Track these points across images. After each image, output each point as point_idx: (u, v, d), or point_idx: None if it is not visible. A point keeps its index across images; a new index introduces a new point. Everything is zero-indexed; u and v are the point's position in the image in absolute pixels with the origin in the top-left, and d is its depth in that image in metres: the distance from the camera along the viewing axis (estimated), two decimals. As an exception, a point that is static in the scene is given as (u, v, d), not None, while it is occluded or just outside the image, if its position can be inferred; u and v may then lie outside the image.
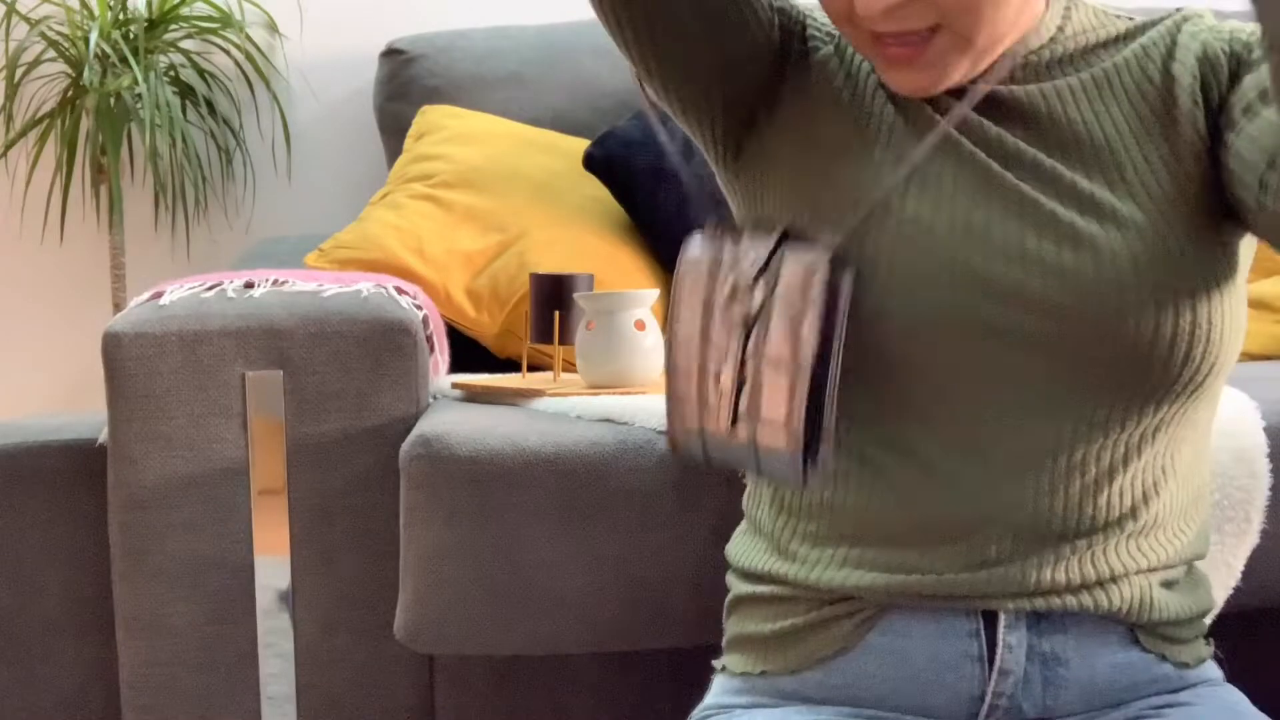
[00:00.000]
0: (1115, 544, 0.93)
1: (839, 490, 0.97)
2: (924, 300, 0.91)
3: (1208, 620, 1.01)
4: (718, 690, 1.02)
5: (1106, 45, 0.98)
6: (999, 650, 0.93)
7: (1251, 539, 1.26)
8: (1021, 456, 0.92)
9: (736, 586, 1.04)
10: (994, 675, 0.93)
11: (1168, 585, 0.96)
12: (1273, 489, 1.30)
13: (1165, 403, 0.92)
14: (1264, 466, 1.29)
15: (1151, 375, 0.91)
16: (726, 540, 1.10)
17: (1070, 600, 0.93)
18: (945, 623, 0.94)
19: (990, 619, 0.93)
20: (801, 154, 0.98)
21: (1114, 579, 0.93)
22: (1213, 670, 1.00)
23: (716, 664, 1.04)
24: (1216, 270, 0.92)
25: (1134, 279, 0.90)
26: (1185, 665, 0.97)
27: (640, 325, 1.49)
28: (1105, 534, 0.93)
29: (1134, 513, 0.94)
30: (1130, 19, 1.01)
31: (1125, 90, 0.96)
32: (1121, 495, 0.93)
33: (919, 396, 0.93)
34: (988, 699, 0.93)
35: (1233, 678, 1.05)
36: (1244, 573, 1.25)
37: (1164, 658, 0.96)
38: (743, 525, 1.07)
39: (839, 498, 0.96)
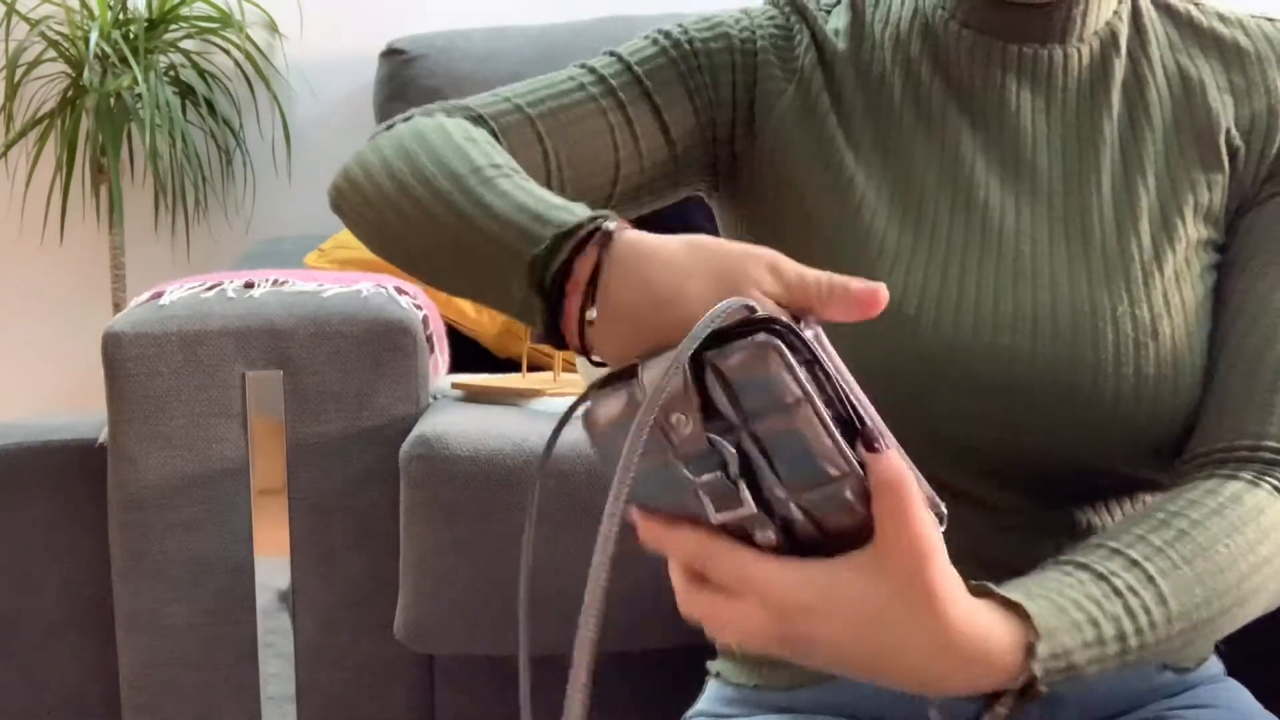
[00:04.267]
0: None
1: None
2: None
3: None
4: (711, 696, 1.00)
5: None
6: None
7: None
8: (1021, 509, 0.90)
9: None
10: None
11: None
12: (1272, 489, 1.30)
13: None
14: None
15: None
16: (726, 540, 1.09)
17: None
18: None
19: None
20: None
21: None
22: (1214, 666, 0.98)
23: (711, 667, 1.03)
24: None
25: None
26: (1186, 670, 0.95)
27: (640, 325, 1.48)
28: None
29: None
30: None
31: None
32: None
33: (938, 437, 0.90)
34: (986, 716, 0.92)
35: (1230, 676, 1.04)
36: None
37: (1165, 665, 0.94)
38: None
39: None
